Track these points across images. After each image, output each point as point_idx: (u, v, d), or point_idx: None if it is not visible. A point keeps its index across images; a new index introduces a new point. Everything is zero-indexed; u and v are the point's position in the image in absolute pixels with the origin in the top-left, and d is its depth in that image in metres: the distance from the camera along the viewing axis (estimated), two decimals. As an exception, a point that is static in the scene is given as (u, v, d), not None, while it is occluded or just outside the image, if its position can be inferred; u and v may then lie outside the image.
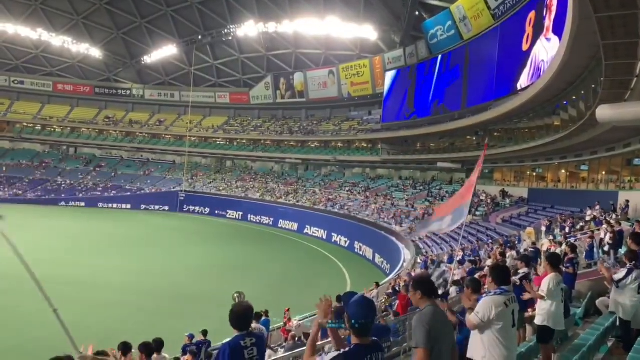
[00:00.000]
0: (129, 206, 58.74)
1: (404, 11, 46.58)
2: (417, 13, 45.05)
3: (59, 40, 64.02)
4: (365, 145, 57.39)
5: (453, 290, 12.66)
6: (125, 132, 71.12)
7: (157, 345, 7.82)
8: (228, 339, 3.90)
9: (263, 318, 12.20)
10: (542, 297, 6.07)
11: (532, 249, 16.28)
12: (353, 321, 2.86)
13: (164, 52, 64.86)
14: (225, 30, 60.47)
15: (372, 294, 15.72)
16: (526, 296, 6.54)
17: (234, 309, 3.87)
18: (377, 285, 17.36)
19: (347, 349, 2.84)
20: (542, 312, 6.11)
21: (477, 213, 34.97)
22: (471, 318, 4.31)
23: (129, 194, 61.48)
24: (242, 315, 3.88)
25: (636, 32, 11.36)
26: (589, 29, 13.67)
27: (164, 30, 64.20)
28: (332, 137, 60.25)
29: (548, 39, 26.02)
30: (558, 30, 22.65)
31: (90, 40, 65.79)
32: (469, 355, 4.46)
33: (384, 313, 12.97)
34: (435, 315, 3.39)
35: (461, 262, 17.24)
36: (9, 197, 57.05)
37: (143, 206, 58.87)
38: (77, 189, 62.17)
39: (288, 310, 15.66)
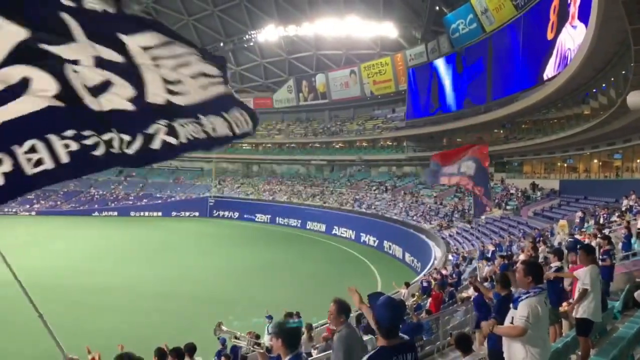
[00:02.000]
0: (160, 214, 59.84)
1: (423, 6, 46.20)
2: (437, 8, 44.63)
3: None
4: (390, 143, 57.05)
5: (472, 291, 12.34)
6: (153, 141, 72.44)
7: (189, 350, 7.90)
8: None
9: (297, 320, 12.25)
10: (585, 291, 5.90)
11: (570, 239, 15.92)
12: (380, 323, 2.84)
13: (188, 61, 65.79)
14: (247, 36, 61.07)
15: (400, 295, 15.61)
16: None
17: (288, 330, 3.48)
18: (407, 285, 17.20)
19: (371, 352, 2.83)
20: (582, 304, 5.97)
21: (508, 207, 34.36)
22: (519, 324, 4.12)
23: (159, 201, 62.64)
24: (297, 335, 3.58)
25: (665, 14, 11.02)
26: (616, 14, 13.33)
27: (186, 39, 65.17)
28: (356, 136, 60.13)
29: (574, 27, 25.43)
30: (584, 17, 22.11)
31: (116, 53, 67.30)
32: (506, 358, 4.36)
33: (417, 312, 12.86)
34: (351, 334, 3.99)
35: (489, 259, 16.94)
36: (45, 209, 58.87)
37: (174, 213, 59.88)
38: (109, 199, 63.67)
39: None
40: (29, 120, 2.30)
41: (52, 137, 2.36)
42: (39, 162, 2.31)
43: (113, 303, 21.07)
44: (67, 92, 2.37)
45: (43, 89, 2.31)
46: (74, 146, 2.38)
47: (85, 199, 63.45)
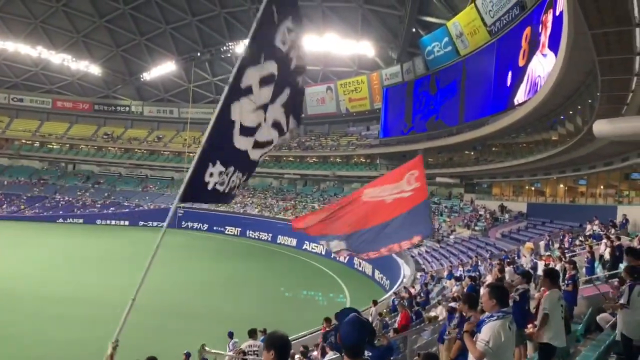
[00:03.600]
0: (127, 223, 58.48)
1: (401, 28, 47.04)
2: (414, 30, 45.47)
3: (58, 58, 64.43)
4: (364, 160, 57.47)
5: (441, 310, 12.42)
6: (124, 148, 71.17)
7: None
8: None
9: (262, 337, 12.05)
10: (546, 316, 5.91)
11: (534, 261, 16.25)
12: (344, 342, 2.75)
13: (163, 69, 65.25)
14: (224, 47, 60.90)
15: (369, 313, 15.56)
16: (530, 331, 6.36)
17: (282, 342, 2.97)
18: (375, 303, 17.15)
19: None
20: (543, 329, 6.00)
21: (477, 228, 34.89)
22: (479, 347, 4.08)
23: (127, 210, 61.24)
24: (289, 348, 3.09)
25: (631, 48, 11.46)
26: (584, 45, 13.77)
27: (163, 47, 64.67)
28: (330, 152, 60.36)
29: (544, 55, 26.25)
30: (554, 46, 22.86)
31: (90, 57, 66.22)
32: None
33: (384, 330, 12.84)
34: None
35: (458, 279, 17.12)
36: (7, 214, 56.85)
37: (141, 222, 58.54)
38: (75, 206, 61.96)
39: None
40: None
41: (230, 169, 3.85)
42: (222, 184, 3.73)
43: (74, 313, 20.37)
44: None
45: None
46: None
47: (50, 205, 61.60)
